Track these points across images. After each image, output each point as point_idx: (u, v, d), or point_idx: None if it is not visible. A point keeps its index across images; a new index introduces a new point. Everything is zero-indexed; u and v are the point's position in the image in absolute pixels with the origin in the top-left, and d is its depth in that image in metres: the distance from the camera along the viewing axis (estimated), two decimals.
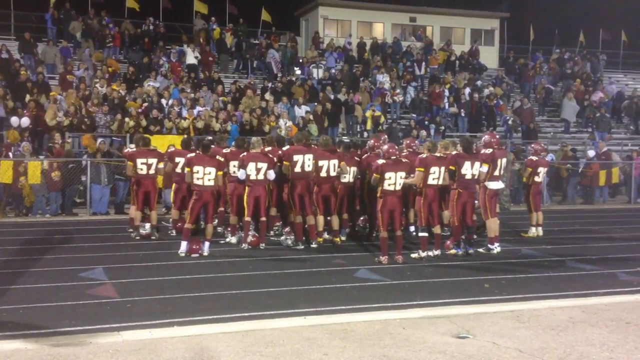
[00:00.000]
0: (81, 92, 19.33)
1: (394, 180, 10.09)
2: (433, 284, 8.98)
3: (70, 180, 15.49)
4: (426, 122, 23.04)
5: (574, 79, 29.04)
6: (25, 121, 15.80)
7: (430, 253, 10.61)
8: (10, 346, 5.97)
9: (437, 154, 10.63)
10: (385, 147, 10.61)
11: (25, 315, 7.06)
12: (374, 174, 10.24)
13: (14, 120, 16.63)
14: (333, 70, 25.63)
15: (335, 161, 11.59)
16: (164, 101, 20.06)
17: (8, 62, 21.51)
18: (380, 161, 10.25)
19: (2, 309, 7.26)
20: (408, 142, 12.42)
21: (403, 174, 10.22)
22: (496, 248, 11.24)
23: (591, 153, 20.63)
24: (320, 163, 11.45)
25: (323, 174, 11.50)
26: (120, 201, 16.04)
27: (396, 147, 10.67)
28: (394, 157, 10.27)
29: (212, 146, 11.17)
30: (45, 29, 25.14)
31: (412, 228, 12.53)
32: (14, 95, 18.97)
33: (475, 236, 11.42)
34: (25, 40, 22.96)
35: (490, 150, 11.22)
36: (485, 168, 10.98)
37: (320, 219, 11.72)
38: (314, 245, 11.39)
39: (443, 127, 23.30)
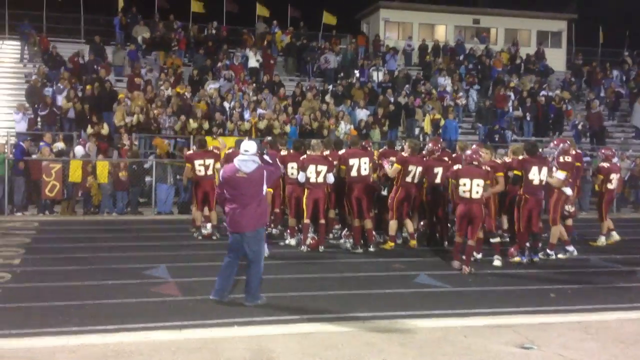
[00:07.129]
0: (148, 95, 19.86)
1: (469, 187, 9.72)
2: (496, 292, 8.77)
3: (137, 180, 15.93)
4: (496, 129, 22.49)
5: None
6: (80, 150, 16.48)
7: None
8: (77, 341, 6.16)
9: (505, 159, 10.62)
10: (468, 152, 10.19)
11: (91, 311, 7.26)
12: (448, 178, 10.34)
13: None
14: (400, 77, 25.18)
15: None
16: (226, 104, 20.41)
17: (85, 67, 22.16)
18: (457, 166, 10.07)
19: (70, 304, 7.51)
20: (431, 145, 12.10)
21: (481, 181, 9.76)
22: (556, 254, 11.11)
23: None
24: (410, 168, 11.17)
25: (409, 179, 11.19)
26: (183, 201, 16.37)
27: (480, 153, 10.20)
28: (476, 164, 9.93)
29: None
30: (114, 32, 25.95)
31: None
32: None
33: (540, 244, 11.12)
34: (95, 43, 23.74)
35: (570, 158, 11.12)
36: (563, 175, 10.73)
37: (394, 223, 11.37)
38: (372, 249, 11.30)
39: (511, 133, 22.75)
